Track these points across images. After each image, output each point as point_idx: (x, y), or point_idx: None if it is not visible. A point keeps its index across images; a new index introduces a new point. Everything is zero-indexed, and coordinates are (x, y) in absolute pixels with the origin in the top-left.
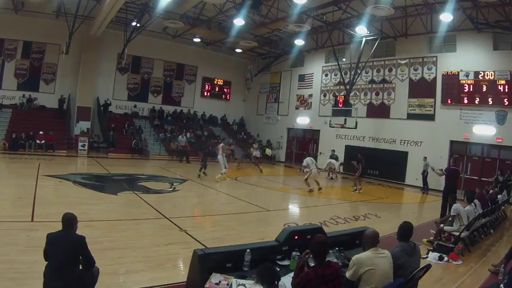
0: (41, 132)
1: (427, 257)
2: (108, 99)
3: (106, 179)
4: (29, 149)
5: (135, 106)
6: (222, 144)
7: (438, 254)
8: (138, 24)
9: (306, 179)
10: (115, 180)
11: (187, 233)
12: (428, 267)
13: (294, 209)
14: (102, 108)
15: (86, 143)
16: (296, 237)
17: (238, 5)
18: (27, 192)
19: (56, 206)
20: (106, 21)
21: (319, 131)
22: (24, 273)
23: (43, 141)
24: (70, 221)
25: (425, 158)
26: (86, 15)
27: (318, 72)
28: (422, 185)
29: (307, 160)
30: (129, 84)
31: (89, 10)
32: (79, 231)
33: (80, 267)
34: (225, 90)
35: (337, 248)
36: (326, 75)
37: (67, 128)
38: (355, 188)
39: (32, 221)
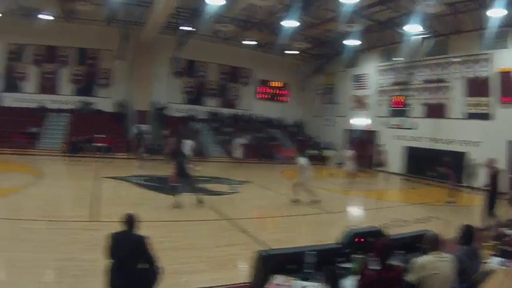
0: (98, 136)
1: (489, 262)
2: (164, 102)
3: (167, 180)
4: (87, 151)
5: (192, 109)
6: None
7: (501, 259)
8: (189, 29)
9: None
10: None
11: (248, 235)
12: (491, 272)
13: (354, 211)
14: (159, 111)
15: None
16: (358, 240)
17: (287, 6)
18: (90, 193)
19: (117, 206)
20: (157, 27)
21: (377, 132)
22: (86, 270)
23: (101, 144)
24: (131, 220)
25: (475, 159)
26: (137, 21)
27: (373, 72)
28: (483, 187)
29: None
30: (185, 87)
31: (140, 16)
32: (140, 231)
33: (143, 266)
34: (281, 92)
35: (399, 251)
36: (381, 75)
37: (124, 131)
38: (451, 200)
39: (95, 221)
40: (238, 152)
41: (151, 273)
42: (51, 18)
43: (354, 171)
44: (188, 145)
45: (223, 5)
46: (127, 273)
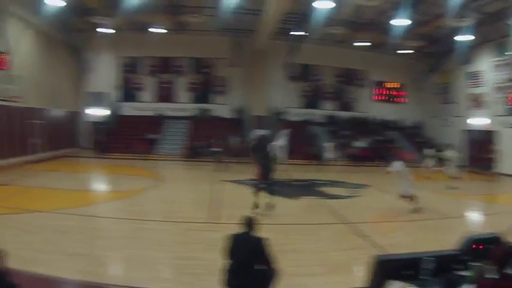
0: (216, 141)
1: None
2: (282, 107)
3: (286, 184)
4: (206, 156)
5: (309, 113)
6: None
7: None
8: (300, 33)
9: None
10: (294, 186)
11: (366, 239)
12: None
13: (471, 215)
14: (276, 116)
15: None
16: (477, 247)
17: (396, 4)
18: (209, 195)
19: (236, 209)
20: (268, 33)
21: (497, 131)
22: (203, 269)
23: (219, 149)
24: (251, 223)
25: None
26: (249, 29)
27: (488, 69)
28: None
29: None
30: (301, 92)
31: (251, 24)
32: (259, 234)
33: (260, 267)
34: (397, 93)
35: None
36: (497, 71)
37: (242, 137)
38: None
39: (214, 222)
40: (329, 154)
41: (267, 274)
42: (164, 31)
43: (458, 174)
44: (278, 146)
45: (332, 8)
46: (244, 273)
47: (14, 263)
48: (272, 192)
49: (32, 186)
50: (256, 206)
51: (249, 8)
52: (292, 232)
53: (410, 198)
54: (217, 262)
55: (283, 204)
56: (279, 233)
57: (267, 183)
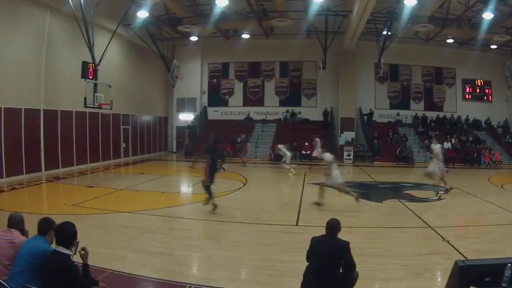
0: (306, 144)
1: None
2: (370, 108)
3: (371, 187)
4: (294, 159)
5: (398, 114)
6: None
7: None
8: (389, 33)
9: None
10: (380, 188)
11: (449, 243)
12: None
13: None
14: (365, 117)
15: (351, 153)
16: None
17: None
18: (294, 198)
19: (319, 211)
20: (356, 34)
21: None
22: (282, 271)
23: (308, 152)
24: (334, 226)
25: None
26: (336, 31)
27: None
28: None
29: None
30: (389, 92)
31: (338, 25)
32: (341, 237)
33: (340, 271)
34: (486, 90)
35: None
36: None
37: (331, 139)
38: None
39: (296, 224)
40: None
41: (348, 278)
42: (249, 36)
43: None
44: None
45: (418, 5)
46: (325, 277)
47: (97, 261)
48: None
49: (119, 188)
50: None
51: (336, 10)
52: (375, 235)
53: None
54: (296, 264)
55: (367, 207)
56: (360, 237)
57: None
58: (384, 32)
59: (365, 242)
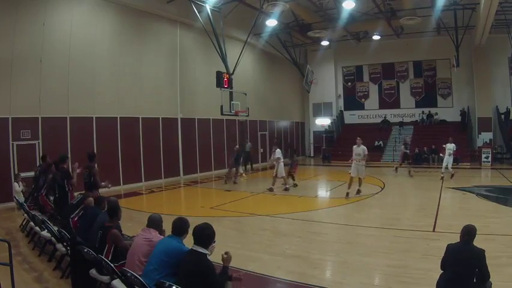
0: (444, 146)
1: None
2: (507, 107)
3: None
4: (432, 162)
5: None
6: None
7: None
8: None
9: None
10: None
11: None
12: None
13: None
14: (503, 117)
15: (490, 155)
16: None
17: None
18: (431, 203)
19: (457, 217)
20: (487, 27)
21: None
22: (416, 278)
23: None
24: (471, 232)
25: None
26: (466, 25)
27: None
28: None
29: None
30: None
31: (467, 19)
32: (477, 244)
33: (474, 280)
34: None
35: None
36: None
37: (468, 140)
38: None
39: (434, 231)
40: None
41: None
42: (380, 37)
43: None
44: None
45: None
46: (459, 286)
47: (233, 261)
48: None
49: (256, 192)
50: None
51: (463, 3)
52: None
53: None
54: (430, 273)
55: (506, 214)
56: (498, 245)
57: None
58: None
59: (503, 251)
